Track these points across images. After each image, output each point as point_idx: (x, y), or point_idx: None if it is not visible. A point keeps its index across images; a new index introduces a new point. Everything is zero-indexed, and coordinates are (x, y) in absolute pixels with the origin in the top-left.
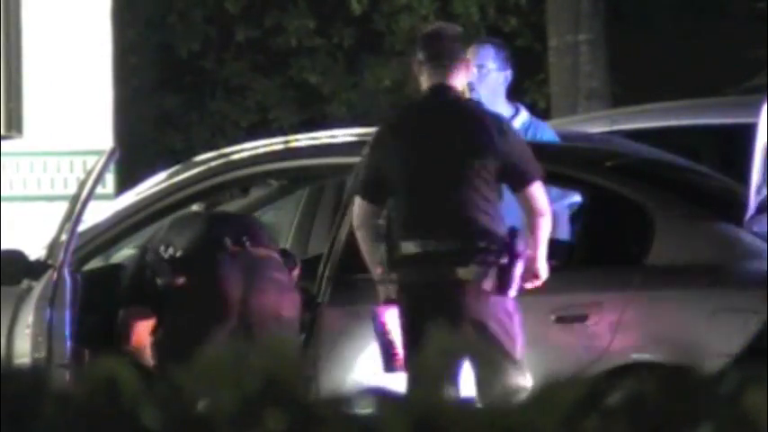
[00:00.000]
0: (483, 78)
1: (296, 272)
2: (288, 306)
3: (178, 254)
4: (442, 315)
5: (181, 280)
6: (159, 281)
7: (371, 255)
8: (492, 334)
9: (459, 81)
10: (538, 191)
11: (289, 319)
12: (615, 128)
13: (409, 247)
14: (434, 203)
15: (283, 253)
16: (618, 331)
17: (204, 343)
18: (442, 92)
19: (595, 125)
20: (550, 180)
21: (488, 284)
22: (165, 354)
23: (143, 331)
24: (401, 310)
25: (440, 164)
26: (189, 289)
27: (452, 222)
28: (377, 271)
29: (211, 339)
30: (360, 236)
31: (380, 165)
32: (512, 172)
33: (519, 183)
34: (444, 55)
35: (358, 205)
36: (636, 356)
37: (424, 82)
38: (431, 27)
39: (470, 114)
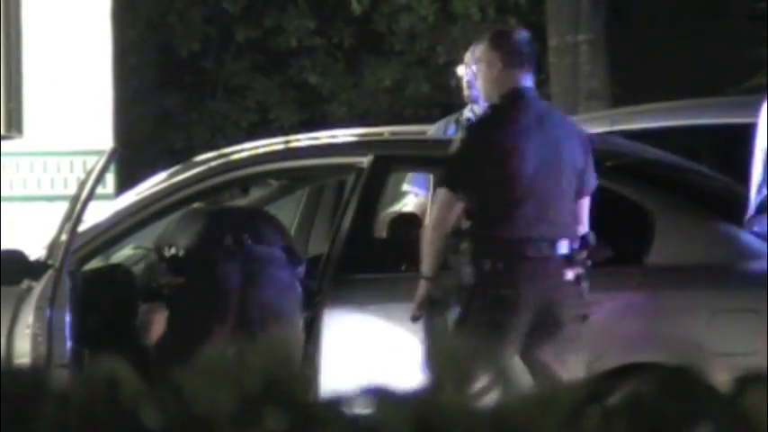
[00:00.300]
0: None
1: (301, 269)
2: (288, 303)
3: (179, 253)
4: (551, 316)
5: (180, 279)
6: (160, 280)
7: (439, 253)
8: (579, 335)
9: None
10: (587, 202)
11: (289, 317)
12: (615, 128)
13: (538, 248)
14: (550, 205)
15: (288, 250)
16: (618, 331)
17: (203, 342)
18: (532, 96)
19: (595, 125)
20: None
21: (586, 287)
22: (165, 353)
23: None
24: (491, 308)
25: (549, 168)
26: (187, 288)
27: (561, 226)
28: (431, 270)
29: (210, 338)
30: (439, 233)
31: (481, 162)
32: (579, 180)
33: (578, 192)
34: (532, 58)
35: (446, 200)
36: (636, 357)
37: (505, 83)
38: (513, 29)
39: (566, 123)
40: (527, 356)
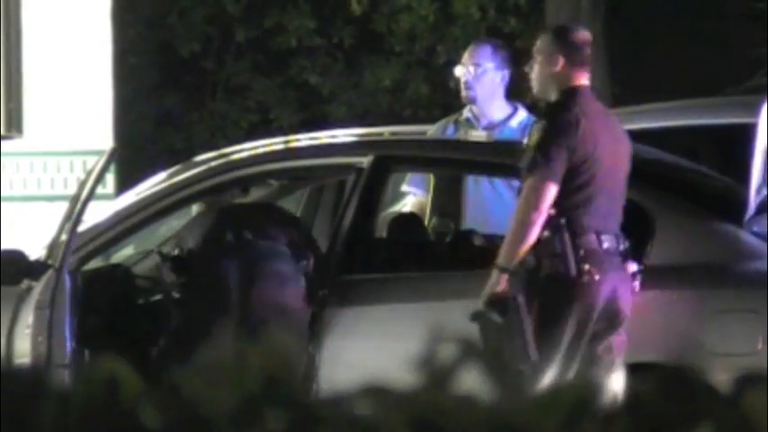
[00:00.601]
0: (480, 77)
1: (306, 262)
2: (292, 298)
3: (182, 252)
4: (621, 311)
5: (182, 279)
6: (165, 281)
7: (526, 245)
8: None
9: None
10: None
11: (293, 311)
12: None
13: (610, 241)
14: (616, 200)
15: (292, 244)
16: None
17: (207, 339)
18: (592, 94)
19: None
20: None
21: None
22: (169, 351)
23: None
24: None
25: (617, 164)
26: (189, 287)
27: (620, 222)
28: (510, 262)
29: (214, 335)
30: (538, 223)
31: (577, 151)
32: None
33: None
34: (589, 58)
35: (545, 188)
36: (636, 357)
37: (566, 80)
38: (577, 28)
39: (619, 123)
40: (588, 347)
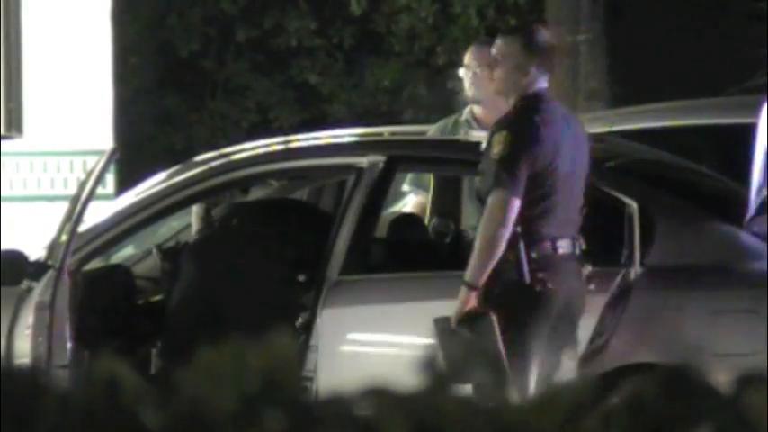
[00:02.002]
0: (478, 78)
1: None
2: (278, 297)
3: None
4: (576, 315)
5: (169, 266)
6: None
7: (494, 260)
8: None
9: None
10: None
11: (279, 310)
12: (615, 128)
13: (567, 246)
14: (574, 205)
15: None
16: (618, 332)
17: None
18: (551, 97)
19: (595, 125)
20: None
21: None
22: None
23: None
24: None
25: (576, 168)
26: (176, 276)
27: (577, 226)
28: (479, 278)
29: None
30: (504, 238)
31: (537, 162)
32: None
33: None
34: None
35: (511, 204)
36: (636, 357)
37: (530, 84)
38: (543, 30)
39: (580, 124)
40: (548, 352)
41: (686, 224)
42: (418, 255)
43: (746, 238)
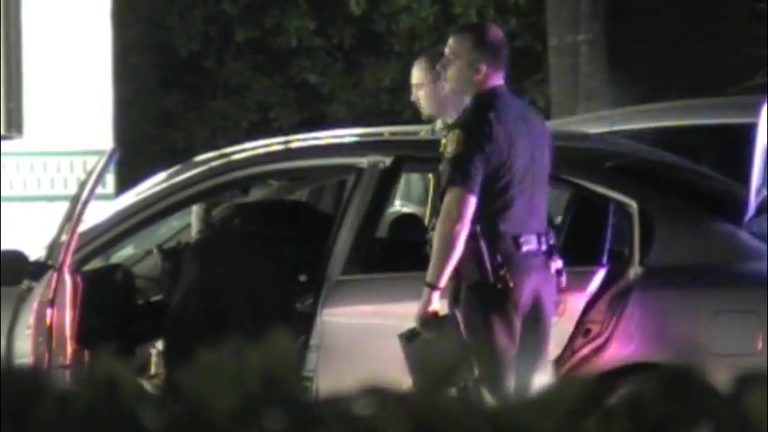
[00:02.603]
0: (431, 94)
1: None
2: (275, 294)
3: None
4: (545, 311)
5: (169, 266)
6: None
7: (454, 259)
8: (549, 331)
9: None
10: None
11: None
12: (615, 128)
13: (530, 243)
14: (536, 200)
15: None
16: (618, 332)
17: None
18: (509, 94)
19: (595, 125)
20: (549, 181)
21: (563, 281)
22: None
23: None
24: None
25: (535, 164)
26: (176, 275)
27: (543, 221)
28: (442, 279)
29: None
30: (462, 235)
31: (482, 158)
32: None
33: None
34: (507, 57)
35: (466, 200)
36: (636, 357)
37: (485, 82)
38: (494, 27)
39: (540, 120)
40: (519, 350)
41: (686, 224)
42: (418, 255)
43: (746, 238)
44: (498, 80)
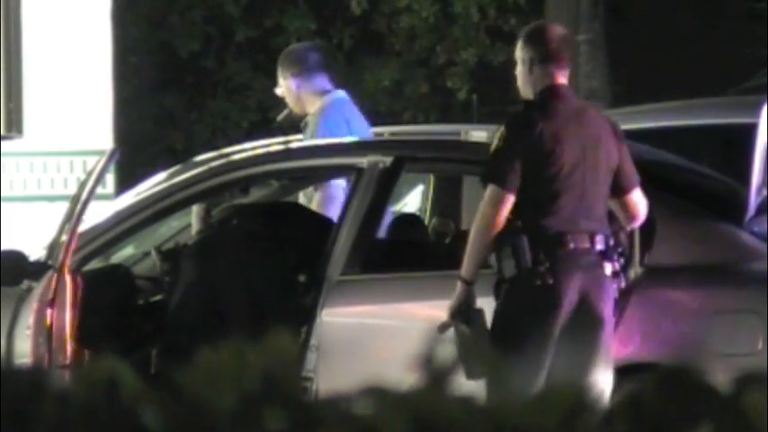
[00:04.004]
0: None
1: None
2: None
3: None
4: (594, 312)
5: (168, 266)
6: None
7: (484, 254)
8: (605, 334)
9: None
10: (638, 196)
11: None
12: None
13: (578, 242)
14: (589, 198)
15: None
16: (618, 332)
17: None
18: (567, 92)
19: None
20: None
21: (619, 284)
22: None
23: None
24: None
25: (587, 163)
26: (175, 275)
27: (597, 221)
28: (473, 273)
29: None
30: (489, 232)
31: (523, 157)
32: (619, 176)
33: (623, 189)
34: (567, 53)
35: (501, 197)
36: (636, 357)
37: (540, 80)
38: (554, 27)
39: (603, 119)
40: (558, 350)
41: (686, 224)
42: (418, 255)
43: (746, 238)
44: (558, 79)
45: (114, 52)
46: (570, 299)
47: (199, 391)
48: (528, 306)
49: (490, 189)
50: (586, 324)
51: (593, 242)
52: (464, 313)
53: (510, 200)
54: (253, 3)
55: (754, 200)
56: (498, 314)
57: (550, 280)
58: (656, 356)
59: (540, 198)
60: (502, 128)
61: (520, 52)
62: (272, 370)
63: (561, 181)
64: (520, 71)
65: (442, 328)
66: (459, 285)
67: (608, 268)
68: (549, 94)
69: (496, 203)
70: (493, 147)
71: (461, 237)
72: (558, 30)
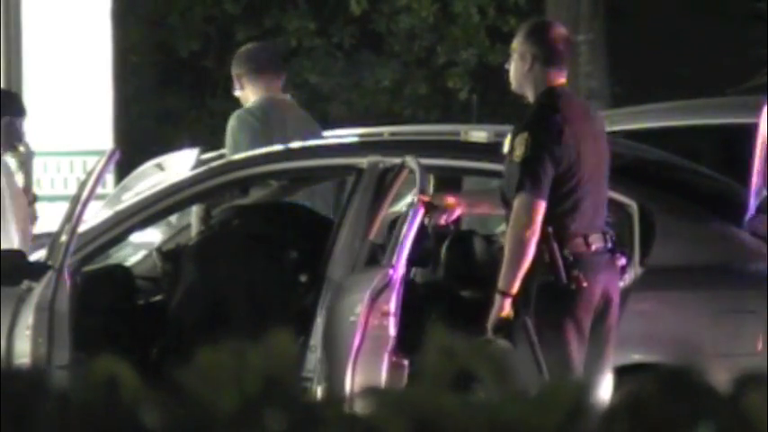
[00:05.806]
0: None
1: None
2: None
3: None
4: (611, 309)
5: (169, 267)
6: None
7: (525, 264)
8: (614, 330)
9: None
10: None
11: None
12: (615, 128)
13: (598, 241)
14: (601, 198)
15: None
16: (618, 332)
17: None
18: (570, 91)
19: None
20: None
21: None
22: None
23: None
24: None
25: (599, 162)
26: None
27: (605, 219)
28: (514, 285)
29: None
30: (530, 241)
31: (561, 161)
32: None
33: None
34: (568, 55)
35: (536, 206)
36: (636, 357)
37: (543, 81)
38: (556, 25)
39: (600, 117)
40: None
41: (686, 224)
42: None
43: (746, 238)
44: (560, 79)
45: (114, 52)
46: (598, 299)
47: (199, 392)
48: (565, 311)
49: (525, 198)
50: (605, 322)
51: (605, 240)
52: (505, 328)
53: (543, 207)
54: (253, 2)
55: (753, 200)
56: (536, 323)
57: (585, 283)
58: (657, 356)
59: (567, 201)
60: (525, 134)
61: (520, 46)
62: (272, 370)
63: (584, 183)
64: (516, 65)
65: (484, 344)
66: (497, 298)
67: (618, 264)
68: (558, 95)
69: (534, 212)
70: (521, 153)
71: (461, 237)
72: (560, 29)
